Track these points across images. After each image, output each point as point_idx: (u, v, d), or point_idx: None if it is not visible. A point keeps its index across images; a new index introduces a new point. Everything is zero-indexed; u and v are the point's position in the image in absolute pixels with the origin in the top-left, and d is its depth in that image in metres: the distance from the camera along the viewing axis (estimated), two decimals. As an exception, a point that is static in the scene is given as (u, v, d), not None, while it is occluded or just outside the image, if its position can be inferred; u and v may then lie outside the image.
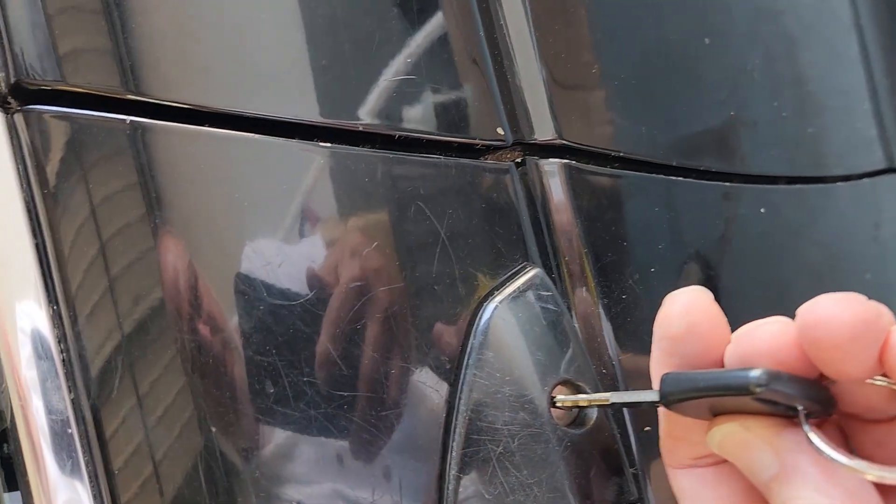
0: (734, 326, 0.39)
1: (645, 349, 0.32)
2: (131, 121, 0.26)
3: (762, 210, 0.39)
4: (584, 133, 0.32)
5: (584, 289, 0.31)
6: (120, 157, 0.26)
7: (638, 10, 0.36)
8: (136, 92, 0.26)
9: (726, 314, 0.38)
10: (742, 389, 0.23)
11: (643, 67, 0.36)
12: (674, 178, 0.35)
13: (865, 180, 0.49)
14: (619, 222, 0.32)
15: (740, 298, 0.40)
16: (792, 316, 0.46)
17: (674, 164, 0.35)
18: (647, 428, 0.30)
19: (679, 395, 0.24)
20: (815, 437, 0.23)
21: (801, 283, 0.44)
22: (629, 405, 0.28)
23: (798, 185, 0.44)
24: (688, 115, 0.37)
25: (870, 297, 0.47)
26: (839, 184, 0.47)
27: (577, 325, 0.30)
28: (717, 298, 0.37)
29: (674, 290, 0.34)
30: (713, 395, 0.24)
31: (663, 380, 0.24)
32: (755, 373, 0.23)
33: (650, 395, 0.25)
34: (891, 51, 0.53)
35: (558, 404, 0.28)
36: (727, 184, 0.37)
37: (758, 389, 0.22)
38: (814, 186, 0.45)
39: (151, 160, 0.26)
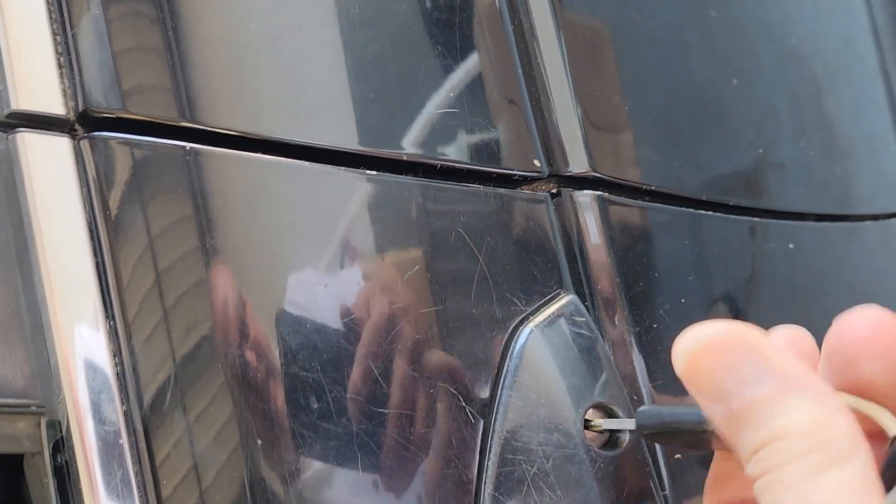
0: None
1: (675, 377, 0.32)
2: (189, 147, 0.27)
3: (790, 246, 0.40)
4: (616, 167, 0.33)
5: (615, 317, 0.31)
6: (177, 181, 0.28)
7: (668, 51, 0.38)
8: (192, 120, 0.28)
9: None
10: (700, 425, 0.23)
11: (672, 106, 0.37)
12: (703, 211, 0.36)
13: (893, 221, 0.50)
14: (650, 253, 0.33)
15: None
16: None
17: (703, 198, 0.36)
18: (678, 455, 0.31)
19: (648, 428, 0.25)
20: None
21: (828, 324, 0.44)
22: (613, 431, 0.28)
23: (825, 223, 0.44)
24: (716, 153, 0.39)
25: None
26: (867, 223, 0.48)
27: (611, 352, 0.31)
28: None
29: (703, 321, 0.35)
30: (676, 429, 0.24)
31: (638, 413, 0.25)
32: None
33: (629, 424, 0.26)
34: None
35: (592, 427, 0.29)
36: (755, 219, 0.38)
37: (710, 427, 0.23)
38: (841, 225, 0.46)
39: (206, 184, 0.28)
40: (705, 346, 0.22)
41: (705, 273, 0.35)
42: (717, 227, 0.37)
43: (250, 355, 0.27)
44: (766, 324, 0.40)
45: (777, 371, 0.22)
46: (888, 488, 0.22)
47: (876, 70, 0.52)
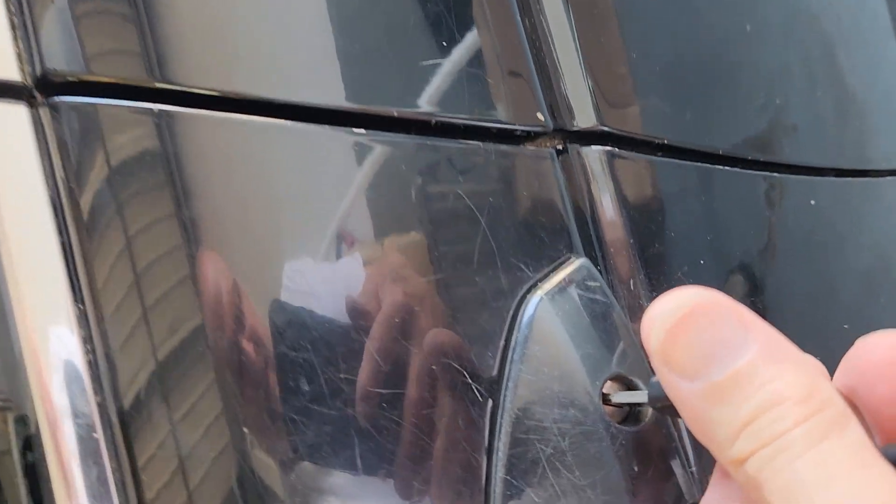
0: (778, 324, 0.37)
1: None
2: (160, 109, 0.25)
3: (812, 202, 0.37)
4: (625, 121, 0.31)
5: (631, 281, 0.29)
6: (149, 147, 0.25)
7: (677, 5, 0.35)
8: (164, 80, 0.25)
9: (772, 312, 0.37)
10: None
11: (683, 61, 0.34)
12: (719, 167, 0.33)
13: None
14: (665, 212, 0.31)
15: (789, 297, 0.38)
16: (840, 318, 0.44)
17: (720, 152, 0.33)
18: None
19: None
20: None
21: (851, 285, 0.42)
22: (623, 404, 0.27)
23: (846, 179, 0.42)
24: (729, 110, 0.36)
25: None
26: (887, 179, 0.46)
27: (626, 319, 0.28)
28: (763, 295, 0.36)
29: (723, 284, 0.33)
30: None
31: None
32: None
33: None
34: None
35: (612, 400, 0.26)
36: (774, 174, 0.36)
37: None
38: (861, 181, 0.44)
39: (182, 150, 0.25)
40: (683, 317, 0.20)
41: (724, 232, 0.33)
42: (735, 184, 0.34)
43: (239, 337, 0.24)
44: (785, 286, 0.38)
45: (759, 337, 0.20)
46: None
47: (889, 28, 0.51)
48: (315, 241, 0.25)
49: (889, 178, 0.47)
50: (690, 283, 0.30)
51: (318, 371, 0.24)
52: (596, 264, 0.29)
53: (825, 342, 0.40)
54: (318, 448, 0.24)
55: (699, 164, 0.33)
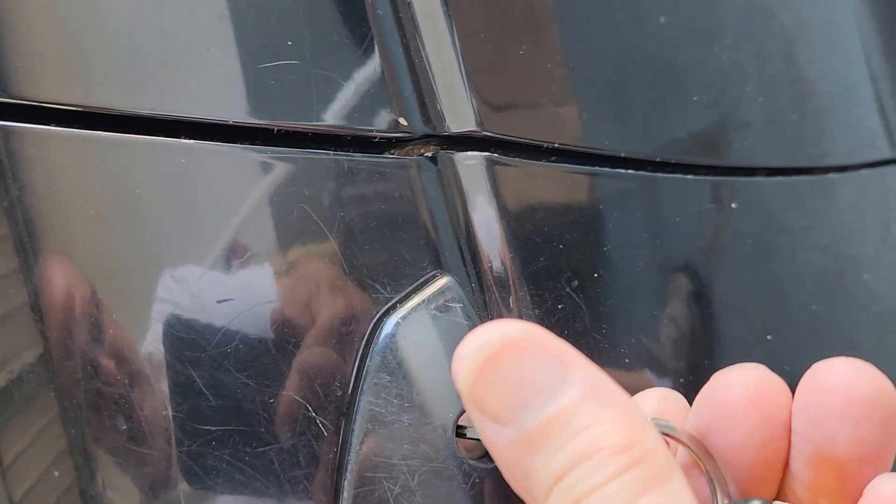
0: (717, 334, 0.35)
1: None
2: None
3: (733, 205, 0.35)
4: (511, 123, 0.28)
5: (510, 299, 0.27)
6: None
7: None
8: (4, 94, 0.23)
9: (711, 329, 0.34)
10: None
11: (605, 58, 0.32)
12: (624, 170, 0.31)
13: (865, 171, 0.46)
14: (553, 222, 0.28)
15: (722, 306, 0.36)
16: (791, 323, 0.42)
17: (622, 154, 0.31)
18: None
19: None
20: None
21: (802, 288, 0.40)
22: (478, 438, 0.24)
23: (798, 177, 0.40)
24: (664, 109, 0.34)
25: (882, 309, 0.43)
26: (840, 174, 0.44)
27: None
28: (703, 309, 0.33)
29: (623, 297, 0.30)
30: None
31: None
32: None
33: None
34: (891, 38, 0.50)
35: (467, 434, 0.24)
36: (688, 176, 0.33)
37: None
38: (815, 178, 0.42)
39: (20, 166, 0.23)
40: (492, 355, 0.18)
41: (625, 242, 0.30)
42: (657, 189, 0.32)
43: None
44: (723, 290, 0.36)
45: (579, 378, 0.17)
46: None
47: (851, 20, 0.48)
48: (139, 258, 0.23)
49: (847, 173, 0.45)
50: (581, 299, 0.28)
51: (135, 407, 0.22)
52: (471, 283, 0.26)
53: (776, 348, 0.38)
54: (132, 492, 0.22)
55: (599, 168, 0.30)
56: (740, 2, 0.40)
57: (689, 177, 0.33)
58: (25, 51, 0.22)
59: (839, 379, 0.20)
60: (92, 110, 0.23)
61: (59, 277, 0.22)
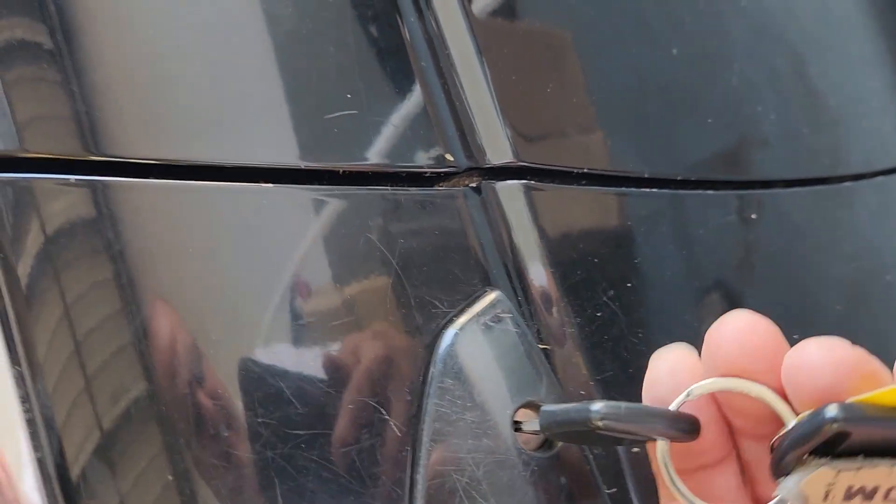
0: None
1: (625, 366, 0.31)
2: (94, 181, 0.26)
3: (754, 216, 0.38)
4: (543, 153, 0.32)
5: (552, 309, 0.30)
6: (83, 217, 0.27)
7: (621, 35, 0.36)
8: (97, 153, 0.27)
9: None
10: (585, 424, 0.22)
11: (627, 86, 0.35)
12: (648, 189, 0.34)
13: (880, 179, 0.47)
14: (588, 239, 0.31)
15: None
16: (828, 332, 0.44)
17: (646, 175, 0.34)
18: (636, 449, 0.29)
19: (548, 428, 0.24)
20: (664, 467, 0.23)
21: (835, 297, 0.42)
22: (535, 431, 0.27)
23: (817, 187, 0.42)
24: (685, 131, 0.37)
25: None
26: (857, 183, 0.46)
27: (550, 347, 0.29)
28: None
29: (656, 304, 0.33)
30: (571, 429, 0.23)
31: (540, 412, 0.25)
32: (595, 406, 0.22)
33: (535, 426, 0.25)
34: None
35: (523, 428, 0.27)
36: (709, 192, 0.36)
37: (599, 423, 0.22)
38: (835, 187, 0.44)
39: (116, 217, 0.27)
40: None
41: (653, 254, 0.33)
42: (669, 205, 0.35)
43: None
44: (758, 302, 0.38)
45: None
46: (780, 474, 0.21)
47: (861, 30, 0.50)
48: (231, 292, 0.27)
49: (864, 181, 0.47)
50: (617, 307, 0.31)
51: (234, 414, 0.25)
52: (516, 296, 0.30)
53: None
54: (239, 485, 0.25)
55: (624, 188, 0.33)
56: (748, 25, 0.42)
57: (710, 192, 0.36)
58: (114, 114, 0.26)
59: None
60: (185, 163, 0.27)
61: (155, 313, 0.25)
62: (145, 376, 0.26)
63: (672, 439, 0.23)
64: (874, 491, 0.21)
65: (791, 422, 0.22)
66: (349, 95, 0.28)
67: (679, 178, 0.35)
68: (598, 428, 0.22)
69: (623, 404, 0.23)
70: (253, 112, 0.28)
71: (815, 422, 0.20)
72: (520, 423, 0.27)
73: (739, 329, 0.23)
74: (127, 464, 0.25)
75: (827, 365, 0.21)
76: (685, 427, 0.23)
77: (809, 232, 0.42)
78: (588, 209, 0.32)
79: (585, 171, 0.32)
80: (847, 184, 0.45)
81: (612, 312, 0.31)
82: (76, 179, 0.27)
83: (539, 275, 0.30)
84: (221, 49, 0.28)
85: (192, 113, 0.27)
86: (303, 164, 0.28)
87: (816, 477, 0.21)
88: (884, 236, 0.45)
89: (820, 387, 0.21)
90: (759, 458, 0.24)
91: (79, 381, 0.26)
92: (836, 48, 0.48)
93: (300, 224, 0.27)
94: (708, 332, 0.24)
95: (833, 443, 0.21)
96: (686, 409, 0.24)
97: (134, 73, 0.27)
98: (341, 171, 0.28)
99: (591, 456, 0.28)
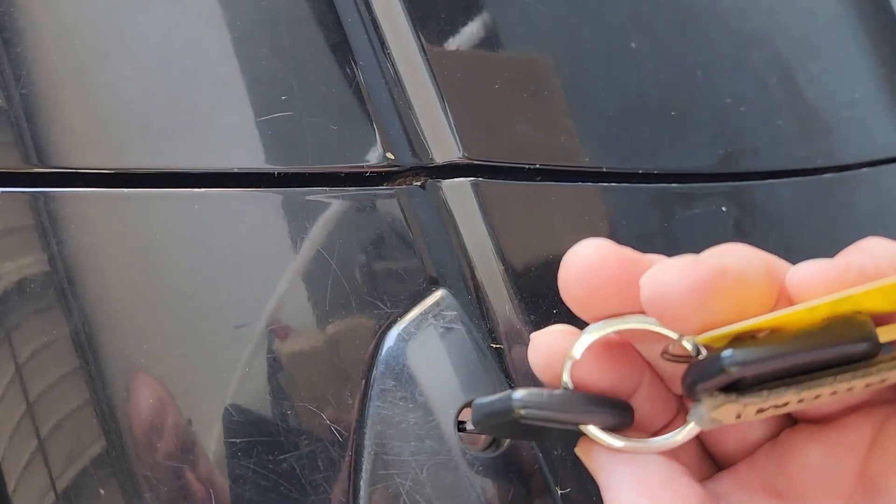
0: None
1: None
2: (37, 192, 0.26)
3: (724, 209, 0.36)
4: (492, 150, 0.31)
5: (506, 307, 0.29)
6: (28, 229, 0.26)
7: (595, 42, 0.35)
8: (40, 164, 0.27)
9: None
10: (509, 413, 0.21)
11: (614, 98, 0.35)
12: (607, 184, 0.33)
13: (866, 170, 0.47)
14: (541, 235, 0.31)
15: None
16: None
17: (604, 168, 0.33)
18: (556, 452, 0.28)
19: (480, 423, 0.23)
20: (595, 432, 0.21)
21: None
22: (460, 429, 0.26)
23: (810, 177, 0.42)
24: (674, 148, 0.36)
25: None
26: (845, 174, 0.45)
27: (504, 346, 0.28)
28: None
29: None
30: (498, 421, 0.22)
31: (472, 407, 0.23)
32: (517, 395, 0.21)
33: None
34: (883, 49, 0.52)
35: (466, 428, 0.26)
36: (672, 185, 0.35)
37: (522, 412, 0.21)
38: (829, 177, 0.43)
39: (61, 228, 0.27)
40: None
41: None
42: (628, 198, 0.34)
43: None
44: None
45: None
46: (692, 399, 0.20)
47: (848, 35, 0.50)
48: (164, 293, 0.26)
49: (851, 172, 0.46)
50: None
51: (171, 422, 0.25)
52: (468, 295, 0.29)
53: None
54: (174, 489, 0.24)
55: (584, 183, 0.33)
56: (735, 34, 0.42)
57: (674, 185, 0.35)
58: (55, 125, 0.26)
59: None
60: (112, 172, 0.26)
61: (93, 315, 0.25)
62: (81, 373, 0.25)
63: (603, 424, 0.22)
64: (784, 405, 0.20)
65: (684, 343, 0.21)
66: (284, 97, 0.28)
67: (640, 171, 0.34)
68: (522, 417, 0.21)
69: (546, 390, 0.22)
70: (185, 117, 0.27)
71: (712, 370, 0.19)
72: (464, 422, 0.26)
73: (583, 269, 0.21)
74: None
75: (685, 292, 0.19)
76: (614, 408, 0.22)
77: (787, 223, 0.41)
78: (541, 205, 0.31)
79: (538, 166, 0.32)
80: (828, 175, 0.44)
81: (568, 309, 0.30)
82: (17, 192, 0.27)
83: (490, 273, 0.29)
84: (151, 56, 0.27)
85: (122, 119, 0.27)
86: (236, 168, 0.27)
87: (725, 408, 0.20)
88: (870, 227, 0.44)
89: (688, 313, 0.20)
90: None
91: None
92: (824, 56, 0.47)
93: (235, 228, 0.27)
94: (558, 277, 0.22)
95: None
96: (603, 365, 0.23)
97: (62, 84, 0.27)
98: (276, 173, 0.27)
99: (540, 455, 0.26)
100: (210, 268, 0.27)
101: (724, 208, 0.37)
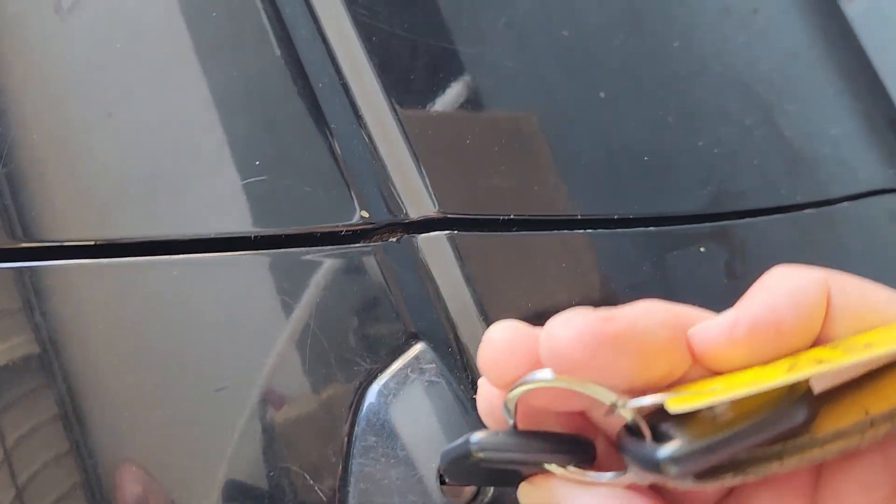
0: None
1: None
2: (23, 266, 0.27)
3: (702, 249, 0.37)
4: (466, 203, 0.32)
5: (485, 358, 0.29)
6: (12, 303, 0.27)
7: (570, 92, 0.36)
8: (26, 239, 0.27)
9: None
10: (468, 457, 0.21)
11: (596, 149, 0.35)
12: (583, 231, 0.34)
13: (846, 204, 0.47)
14: (520, 284, 0.31)
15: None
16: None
17: (578, 216, 0.34)
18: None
19: (446, 470, 0.22)
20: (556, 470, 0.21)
21: None
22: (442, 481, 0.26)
23: (794, 213, 0.42)
24: (663, 198, 0.37)
25: None
26: (824, 209, 0.46)
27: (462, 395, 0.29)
28: None
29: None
30: (461, 466, 0.22)
31: (440, 457, 0.23)
32: (474, 437, 0.21)
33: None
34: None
35: (447, 481, 0.26)
36: (650, 228, 0.36)
37: (480, 455, 0.21)
38: (813, 212, 0.44)
39: (47, 300, 0.27)
40: None
41: (590, 294, 0.32)
42: (605, 244, 0.34)
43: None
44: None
45: None
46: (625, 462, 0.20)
47: (831, 73, 0.51)
48: (148, 360, 0.26)
49: (842, 204, 0.47)
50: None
51: (153, 489, 0.25)
52: (447, 346, 0.29)
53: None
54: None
55: (559, 231, 0.33)
56: (717, 81, 0.43)
57: (651, 229, 0.36)
58: (37, 200, 0.27)
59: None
60: (93, 243, 0.27)
61: (77, 385, 0.25)
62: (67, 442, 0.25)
63: (564, 464, 0.22)
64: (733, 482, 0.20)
65: (620, 412, 0.21)
66: (257, 162, 0.29)
67: (615, 217, 0.35)
68: (482, 459, 0.21)
69: (502, 431, 0.21)
70: (163, 186, 0.28)
71: (649, 463, 0.19)
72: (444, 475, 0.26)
73: (495, 348, 0.21)
74: None
75: (573, 341, 0.19)
76: (575, 448, 0.22)
77: (771, 261, 0.41)
78: (518, 255, 0.32)
79: (512, 217, 0.32)
80: (811, 210, 0.45)
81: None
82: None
83: (469, 324, 0.29)
84: (130, 128, 0.28)
85: (103, 192, 0.27)
86: (213, 233, 0.28)
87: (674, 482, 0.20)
88: (854, 258, 0.44)
89: (582, 363, 0.19)
90: None
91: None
92: (805, 97, 0.49)
93: (215, 292, 0.27)
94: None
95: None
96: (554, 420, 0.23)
97: (55, 164, 0.28)
98: (252, 236, 0.28)
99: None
100: (191, 332, 0.27)
101: (702, 248, 0.37)
